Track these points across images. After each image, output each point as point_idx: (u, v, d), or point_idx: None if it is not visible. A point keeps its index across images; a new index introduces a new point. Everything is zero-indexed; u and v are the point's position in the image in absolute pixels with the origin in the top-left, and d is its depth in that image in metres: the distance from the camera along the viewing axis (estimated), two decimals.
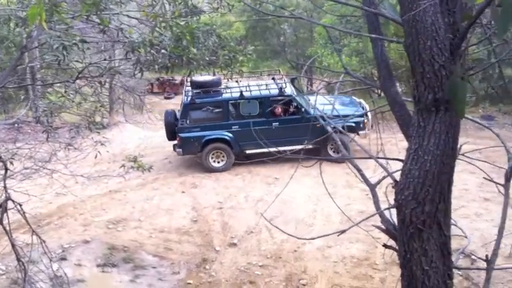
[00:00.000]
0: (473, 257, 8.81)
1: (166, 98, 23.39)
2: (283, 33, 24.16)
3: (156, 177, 12.50)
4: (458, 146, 3.39)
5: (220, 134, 12.85)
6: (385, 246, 3.58)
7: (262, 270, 8.85)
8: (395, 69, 14.31)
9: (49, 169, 6.79)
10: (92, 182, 11.97)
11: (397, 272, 8.47)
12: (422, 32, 2.81)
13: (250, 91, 12.79)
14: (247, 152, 12.69)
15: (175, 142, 13.12)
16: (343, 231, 3.73)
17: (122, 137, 15.66)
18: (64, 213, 10.96)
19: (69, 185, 10.19)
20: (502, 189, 3.39)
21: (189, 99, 12.92)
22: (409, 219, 3.16)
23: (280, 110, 12.82)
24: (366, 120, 12.89)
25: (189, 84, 13.35)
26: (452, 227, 4.02)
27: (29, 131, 13.96)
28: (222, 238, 9.87)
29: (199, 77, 12.50)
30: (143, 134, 16.51)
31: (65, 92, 5.93)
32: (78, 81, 5.94)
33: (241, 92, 12.64)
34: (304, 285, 8.41)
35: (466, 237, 4.05)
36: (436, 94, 2.89)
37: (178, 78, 24.11)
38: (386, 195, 3.54)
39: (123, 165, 6.77)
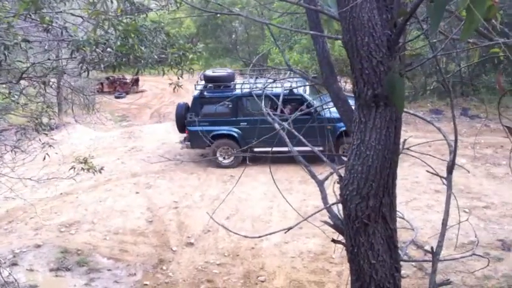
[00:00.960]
0: (426, 247, 9.05)
1: (117, 97, 22.99)
2: (234, 31, 24.16)
3: (108, 179, 12.26)
4: (404, 139, 3.43)
5: (228, 130, 12.66)
6: (334, 241, 3.59)
7: (220, 268, 8.80)
8: (346, 65, 14.53)
9: None
10: (42, 184, 11.65)
11: None
12: (360, 28, 2.80)
13: (261, 88, 12.43)
14: (255, 149, 12.47)
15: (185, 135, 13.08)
16: (289, 229, 3.74)
17: (72, 138, 15.30)
18: (13, 217, 10.63)
19: (17, 189, 9.86)
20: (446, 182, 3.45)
21: (198, 93, 12.78)
22: (355, 214, 3.18)
23: (289, 109, 12.27)
24: None
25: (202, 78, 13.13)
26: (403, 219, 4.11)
27: None
28: (179, 238, 9.77)
29: (211, 72, 12.31)
30: (94, 134, 16.17)
31: (9, 93, 5.71)
32: (22, 81, 5.74)
33: (250, 88, 12.26)
34: (262, 281, 8.42)
35: (413, 229, 4.11)
36: (375, 90, 2.89)
37: (129, 77, 23.76)
38: (334, 191, 3.57)
39: (72, 167, 6.58)
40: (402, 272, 8.47)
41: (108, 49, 4.46)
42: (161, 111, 20.39)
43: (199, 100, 12.76)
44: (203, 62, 19.29)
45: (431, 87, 17.68)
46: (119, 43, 4.38)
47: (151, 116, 19.73)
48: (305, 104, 12.01)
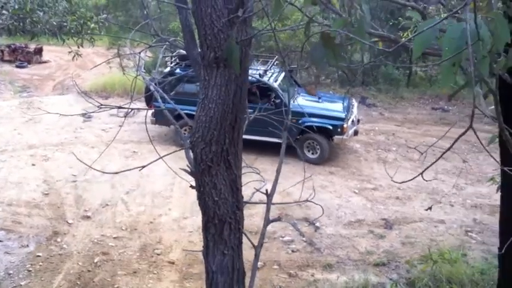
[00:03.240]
0: (317, 224, 9.60)
1: (18, 66, 21.90)
2: (146, 6, 23.67)
3: (3, 149, 11.80)
4: None
5: (191, 110, 11.79)
6: (191, 187, 3.97)
7: (116, 241, 8.83)
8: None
9: None
10: None
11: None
12: (203, 0, 3.31)
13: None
14: None
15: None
16: (143, 167, 4.01)
17: None
18: None
19: None
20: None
21: (169, 69, 12.38)
22: (200, 157, 3.69)
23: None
24: (345, 125, 11.89)
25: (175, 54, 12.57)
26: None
27: None
28: (75, 211, 9.65)
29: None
30: None
31: None
32: None
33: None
34: (158, 254, 8.55)
35: (263, 181, 4.60)
36: (216, 53, 3.38)
37: (32, 46, 22.68)
38: None
39: None
40: (292, 246, 8.96)
41: (4, 11, 4.37)
42: (65, 83, 19.64)
43: (169, 77, 12.43)
44: (113, 33, 18.81)
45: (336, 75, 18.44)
46: (16, 6, 4.31)
47: (54, 87, 18.99)
48: (273, 94, 12.02)
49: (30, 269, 7.99)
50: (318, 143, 11.99)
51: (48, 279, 7.76)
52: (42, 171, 11.03)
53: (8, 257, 8.22)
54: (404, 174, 11.66)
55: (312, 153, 12.13)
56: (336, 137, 11.99)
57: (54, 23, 4.80)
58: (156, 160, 3.95)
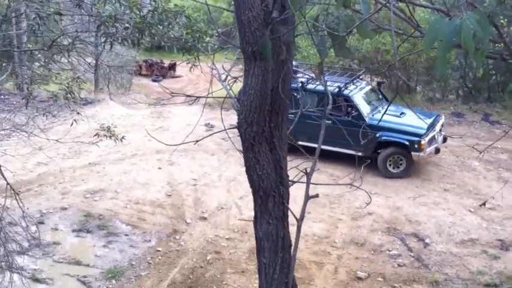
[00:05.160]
0: (426, 240, 9.44)
1: (154, 80, 23.79)
2: None
3: (134, 153, 12.97)
4: None
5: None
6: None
7: (228, 242, 9.37)
8: (372, 63, 14.92)
9: (26, 132, 7.19)
10: (72, 154, 12.51)
11: (353, 250, 9.04)
12: (243, 5, 3.87)
13: (314, 84, 12.07)
14: (300, 142, 12.49)
15: None
16: (197, 141, 5.49)
17: (105, 113, 16.06)
18: (44, 181, 11.41)
19: (50, 156, 10.74)
20: None
21: None
22: (244, 137, 4.27)
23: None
24: (422, 141, 11.61)
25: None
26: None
27: (14, 102, 14.35)
28: (194, 212, 10.38)
29: None
30: (126, 112, 16.90)
31: (45, 61, 6.33)
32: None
33: (302, 83, 12.01)
34: None
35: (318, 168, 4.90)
36: (253, 48, 3.92)
37: (167, 62, 24.48)
38: None
39: (97, 134, 7.22)
40: (399, 260, 8.90)
41: (126, 25, 5.05)
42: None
43: None
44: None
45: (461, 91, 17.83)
46: (138, 20, 4.96)
47: (184, 100, 20.34)
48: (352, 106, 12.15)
49: (150, 261, 8.77)
50: (405, 157, 11.85)
51: (165, 272, 8.48)
52: (166, 174, 11.99)
53: (132, 250, 9.10)
54: None
55: (395, 168, 12.01)
56: (413, 154, 11.72)
57: (172, 36, 5.41)
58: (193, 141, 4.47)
